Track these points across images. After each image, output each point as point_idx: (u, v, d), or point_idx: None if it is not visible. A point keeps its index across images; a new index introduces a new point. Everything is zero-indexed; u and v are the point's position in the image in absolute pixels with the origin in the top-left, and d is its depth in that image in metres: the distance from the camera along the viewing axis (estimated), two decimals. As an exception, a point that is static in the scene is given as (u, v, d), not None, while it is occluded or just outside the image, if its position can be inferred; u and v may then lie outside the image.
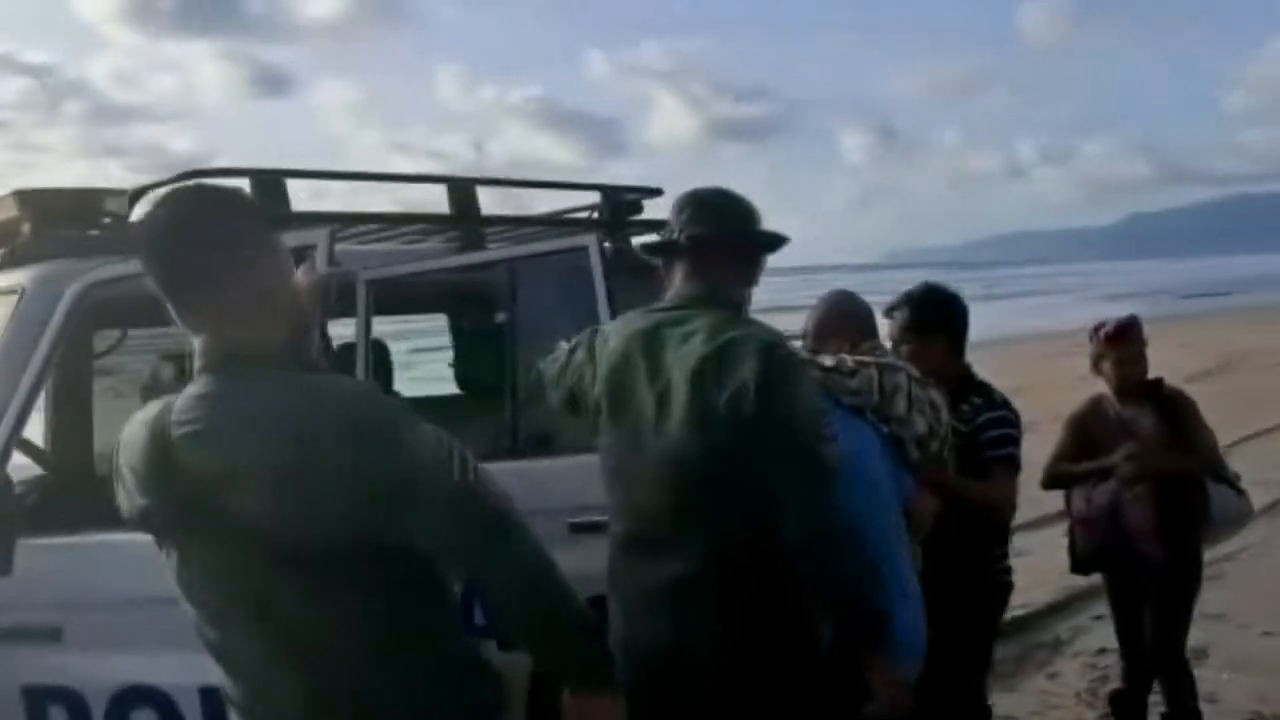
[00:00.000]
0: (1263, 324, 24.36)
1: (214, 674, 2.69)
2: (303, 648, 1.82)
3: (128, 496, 1.91)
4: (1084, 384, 4.64)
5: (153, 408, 1.89)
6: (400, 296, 4.19)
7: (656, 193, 4.93)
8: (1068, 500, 4.40)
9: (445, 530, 1.84)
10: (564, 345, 2.95)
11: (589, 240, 3.56)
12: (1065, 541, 4.47)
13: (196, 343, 1.87)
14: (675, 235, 2.76)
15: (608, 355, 2.74)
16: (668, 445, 2.59)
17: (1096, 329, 4.40)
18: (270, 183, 3.83)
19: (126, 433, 1.93)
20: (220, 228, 1.86)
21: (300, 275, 2.50)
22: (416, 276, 3.93)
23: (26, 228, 3.50)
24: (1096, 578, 4.62)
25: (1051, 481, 4.44)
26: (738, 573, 2.56)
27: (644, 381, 2.66)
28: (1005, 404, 3.68)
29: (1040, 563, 5.95)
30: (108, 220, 3.65)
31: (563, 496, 3.36)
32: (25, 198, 3.50)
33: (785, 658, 2.60)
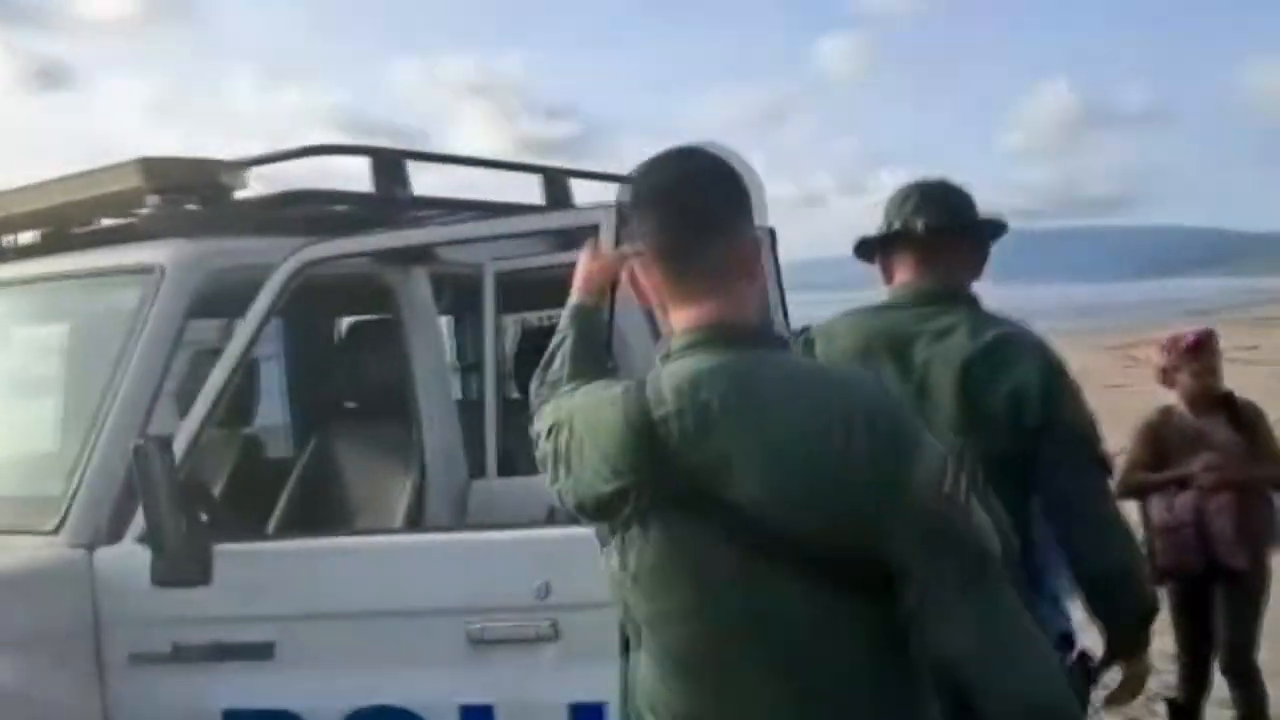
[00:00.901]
0: (1076, 349, 25.66)
1: (476, 692, 2.49)
2: (792, 655, 1.63)
3: (588, 481, 1.72)
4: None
5: (620, 387, 1.72)
6: (527, 292, 3.93)
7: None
8: (1143, 510, 4.48)
9: (914, 553, 1.59)
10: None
11: (761, 233, 3.41)
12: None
13: (684, 315, 1.71)
14: (906, 227, 2.66)
15: (842, 353, 2.63)
16: None
17: (1173, 341, 4.51)
18: (392, 163, 3.59)
19: (580, 414, 1.75)
20: (732, 187, 1.74)
21: (585, 256, 2.32)
22: (546, 270, 3.70)
23: (154, 200, 3.13)
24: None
25: (1128, 491, 4.51)
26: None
27: (893, 379, 2.55)
28: None
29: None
30: (226, 195, 3.32)
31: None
32: (153, 168, 3.14)
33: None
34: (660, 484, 1.63)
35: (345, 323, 4.21)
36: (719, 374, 1.64)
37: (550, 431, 1.78)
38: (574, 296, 2.23)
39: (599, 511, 1.72)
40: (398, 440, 3.58)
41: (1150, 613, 2.59)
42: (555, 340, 2.15)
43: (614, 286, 2.33)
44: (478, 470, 3.56)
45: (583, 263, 2.29)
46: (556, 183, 4.07)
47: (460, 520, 3.39)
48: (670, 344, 1.72)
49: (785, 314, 3.44)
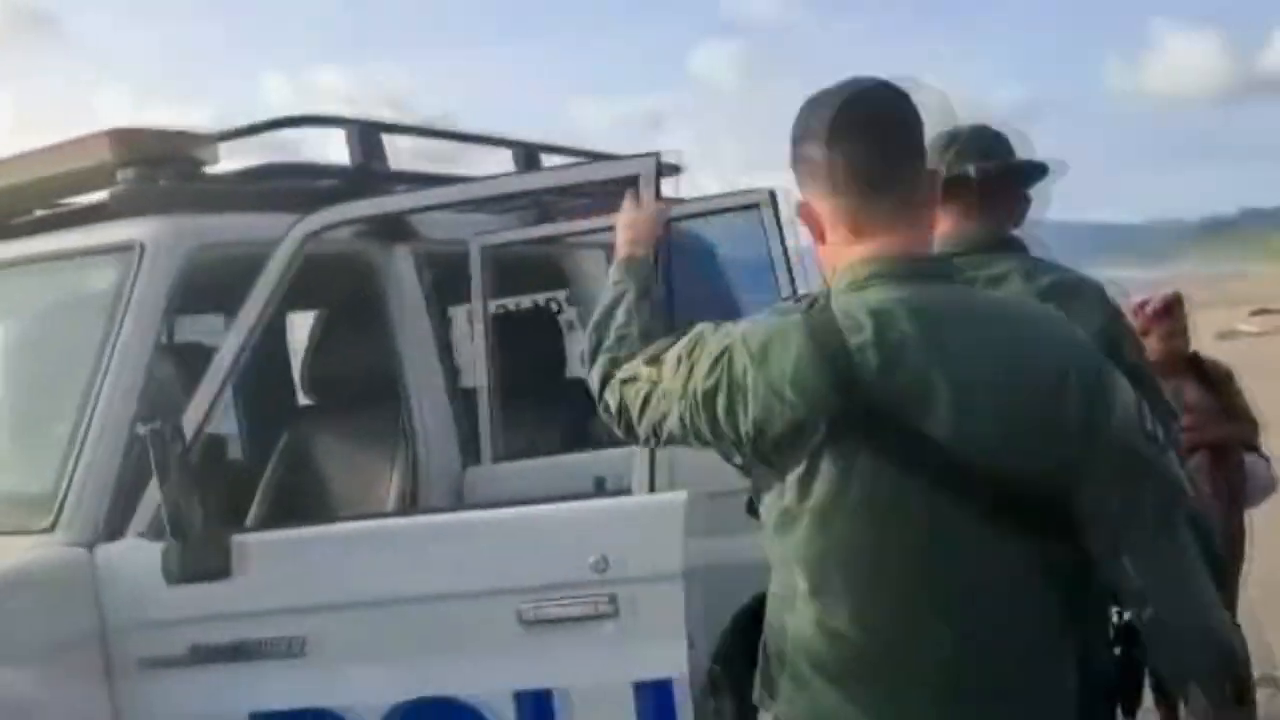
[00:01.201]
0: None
1: (531, 676, 2.34)
2: (967, 594, 1.59)
3: (770, 412, 1.61)
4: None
5: (798, 314, 1.65)
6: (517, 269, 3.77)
7: (675, 170, 4.73)
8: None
9: (1108, 491, 1.58)
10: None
11: (761, 196, 3.32)
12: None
13: (871, 244, 1.65)
14: (954, 173, 2.58)
15: None
16: None
17: (1141, 305, 4.52)
18: (370, 136, 3.42)
19: (756, 342, 1.65)
20: (920, 119, 1.69)
21: (627, 208, 2.25)
22: (541, 245, 3.56)
23: (128, 174, 2.90)
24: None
25: None
26: None
27: None
28: None
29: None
30: (199, 169, 3.10)
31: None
32: (124, 139, 2.91)
33: None
34: (851, 414, 1.57)
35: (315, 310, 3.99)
36: (915, 305, 1.59)
37: (717, 362, 1.67)
38: (624, 249, 2.16)
39: (780, 442, 1.62)
40: (384, 428, 3.41)
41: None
42: (612, 294, 2.05)
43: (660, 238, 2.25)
44: (473, 457, 3.40)
45: (627, 215, 2.24)
46: (529, 157, 3.94)
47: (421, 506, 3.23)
48: (851, 273, 1.65)
49: (792, 280, 3.34)
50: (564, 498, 2.49)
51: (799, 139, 1.68)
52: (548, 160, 4.01)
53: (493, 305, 4.60)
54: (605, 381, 1.91)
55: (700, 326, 1.77)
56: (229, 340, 2.54)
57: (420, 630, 2.38)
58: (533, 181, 2.94)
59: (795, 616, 1.66)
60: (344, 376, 3.53)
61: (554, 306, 4.41)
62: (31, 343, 2.96)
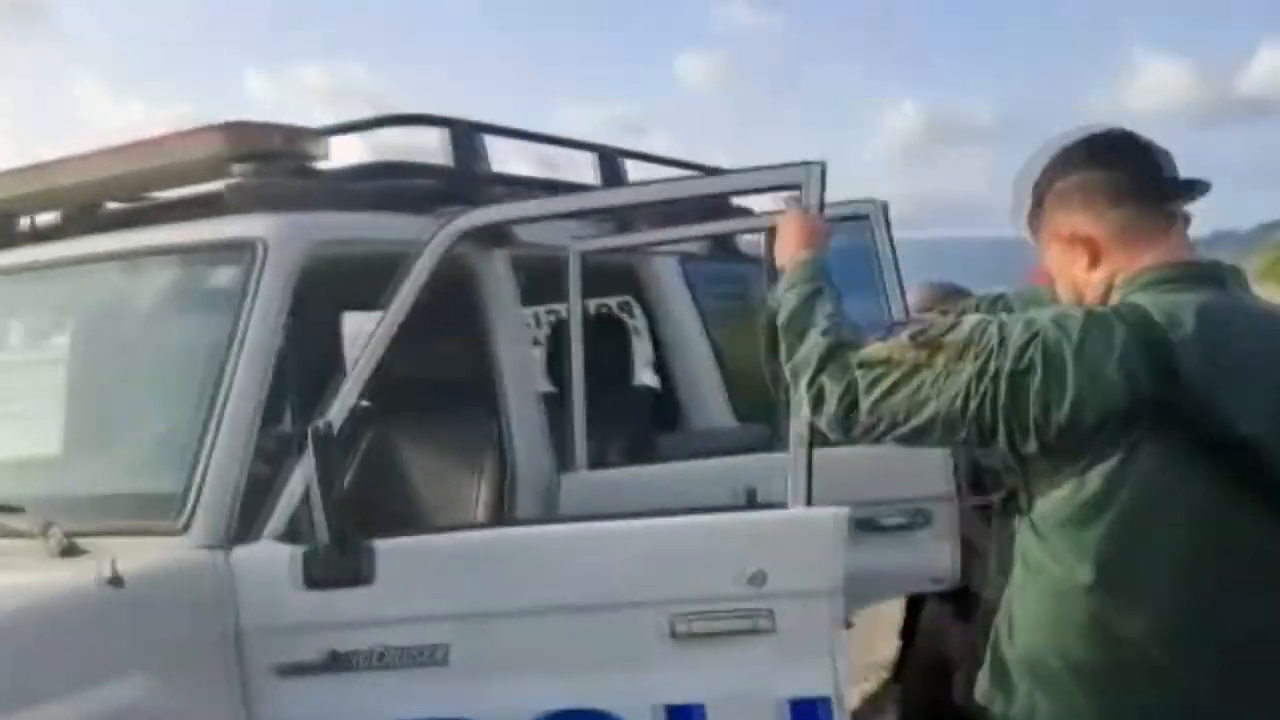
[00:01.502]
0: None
1: (681, 690, 2.30)
2: (1257, 596, 1.66)
3: (1086, 401, 1.62)
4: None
5: (1103, 309, 1.70)
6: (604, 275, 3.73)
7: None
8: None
9: None
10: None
11: (871, 208, 3.29)
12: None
13: (1149, 253, 1.76)
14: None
15: None
16: None
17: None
18: (467, 137, 3.39)
19: (1070, 330, 1.65)
20: None
21: (793, 213, 2.23)
22: (620, 252, 3.53)
23: (243, 169, 2.85)
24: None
25: None
26: None
27: None
28: None
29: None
30: (313, 165, 3.06)
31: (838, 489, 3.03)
32: (240, 133, 2.85)
33: None
34: (1171, 408, 1.61)
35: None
36: (1230, 307, 1.69)
37: (1028, 345, 1.66)
38: (804, 252, 2.13)
39: (1094, 430, 1.62)
40: (469, 433, 3.36)
41: None
42: (802, 290, 2.02)
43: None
44: (565, 463, 3.36)
45: (799, 218, 2.22)
46: (610, 162, 3.92)
47: (552, 514, 3.19)
48: (1155, 276, 1.73)
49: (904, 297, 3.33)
50: (716, 509, 2.44)
51: (1071, 169, 1.79)
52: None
53: (559, 311, 4.60)
54: (844, 369, 1.83)
55: (975, 316, 1.78)
56: (375, 336, 2.49)
57: (565, 640, 2.33)
58: (692, 188, 2.89)
59: (1061, 615, 1.67)
60: (428, 379, 3.47)
61: (621, 312, 4.38)
62: (149, 339, 2.89)
